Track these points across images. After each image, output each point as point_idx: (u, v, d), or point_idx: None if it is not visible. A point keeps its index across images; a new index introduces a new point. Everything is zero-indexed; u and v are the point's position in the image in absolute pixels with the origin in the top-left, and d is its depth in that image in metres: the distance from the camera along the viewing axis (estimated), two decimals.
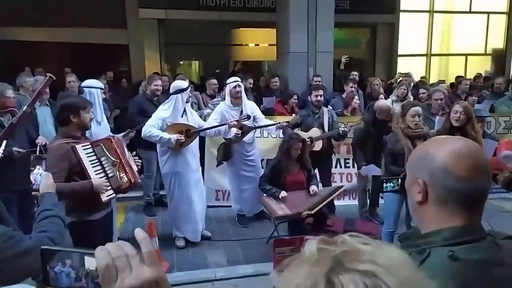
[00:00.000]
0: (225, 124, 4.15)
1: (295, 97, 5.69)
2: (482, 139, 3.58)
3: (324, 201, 3.75)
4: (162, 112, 3.90)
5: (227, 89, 4.43)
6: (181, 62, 10.86)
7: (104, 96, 4.17)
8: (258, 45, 10.51)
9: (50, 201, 1.64)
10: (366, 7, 9.75)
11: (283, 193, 3.80)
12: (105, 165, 2.59)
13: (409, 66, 10.34)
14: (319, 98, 4.67)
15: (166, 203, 5.01)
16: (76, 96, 3.64)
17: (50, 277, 0.65)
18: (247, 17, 9.34)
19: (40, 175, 1.93)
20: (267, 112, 5.34)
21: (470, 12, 11.09)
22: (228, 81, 4.50)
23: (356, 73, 6.63)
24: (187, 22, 9.44)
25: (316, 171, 4.84)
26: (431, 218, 0.93)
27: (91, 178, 2.50)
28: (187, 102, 4.00)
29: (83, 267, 0.63)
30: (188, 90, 3.97)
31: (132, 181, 2.74)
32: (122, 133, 3.56)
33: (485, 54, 11.58)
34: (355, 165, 5.38)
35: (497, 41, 11.49)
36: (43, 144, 3.45)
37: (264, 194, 3.94)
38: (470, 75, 9.99)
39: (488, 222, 3.86)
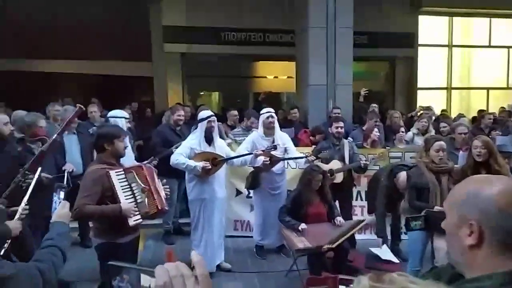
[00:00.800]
0: (251, 153, 4.21)
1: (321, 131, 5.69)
2: (511, 174, 3.48)
3: (346, 235, 3.67)
4: (190, 142, 4.04)
5: (261, 119, 4.53)
6: (202, 93, 11.16)
7: (129, 125, 4.32)
8: (277, 77, 10.74)
9: (57, 230, 1.68)
10: (384, 41, 9.90)
11: (303, 225, 3.75)
12: (135, 191, 2.72)
13: (429, 99, 10.34)
14: (339, 129, 4.70)
15: (185, 231, 5.03)
16: (113, 126, 3.79)
17: None
18: (267, 50, 9.62)
19: (58, 203, 1.99)
20: None
21: (489, 46, 11.10)
22: (261, 111, 4.62)
23: (375, 105, 6.65)
24: (208, 56, 9.79)
25: (337, 203, 4.82)
26: (483, 262, 0.89)
27: (120, 203, 2.60)
28: (212, 131, 4.06)
29: (139, 283, 0.69)
30: (211, 119, 4.04)
31: (160, 208, 2.83)
32: (146, 161, 3.65)
33: (507, 88, 11.45)
34: None
35: None
36: (70, 171, 3.57)
37: (284, 226, 3.90)
38: (492, 109, 9.88)
39: None
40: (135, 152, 4.99)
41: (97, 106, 5.46)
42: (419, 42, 10.41)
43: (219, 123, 5.89)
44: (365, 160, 4.69)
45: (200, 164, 3.85)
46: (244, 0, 9.20)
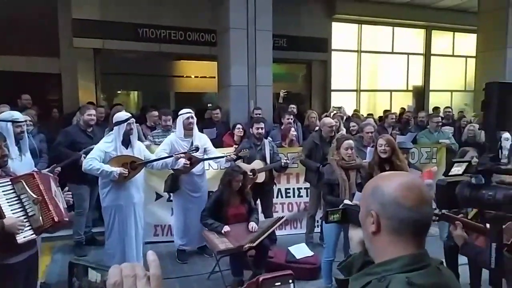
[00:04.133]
0: (172, 156, 4.08)
1: (239, 127, 5.76)
2: (408, 168, 3.89)
3: (266, 233, 3.76)
4: (105, 145, 3.78)
5: (180, 120, 4.39)
6: (119, 92, 10.54)
7: (27, 128, 3.83)
8: (197, 77, 10.61)
9: None
10: (302, 45, 10.41)
11: (226, 228, 3.75)
12: (25, 203, 2.36)
13: (342, 100, 11.13)
14: (260, 130, 4.80)
15: (99, 241, 4.70)
16: None
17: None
18: (188, 49, 9.45)
19: None
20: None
21: (392, 52, 12.33)
22: (180, 112, 4.48)
23: (294, 106, 6.94)
24: (125, 52, 9.28)
25: (258, 202, 4.93)
26: (386, 247, 0.99)
27: (4, 218, 2.25)
28: (130, 134, 3.87)
29: (86, 277, 0.70)
30: (130, 121, 3.87)
31: (57, 220, 2.45)
32: (47, 169, 3.30)
33: (407, 90, 12.83)
34: (295, 194, 5.58)
35: (417, 79, 12.83)
36: None
37: (206, 229, 3.86)
38: (395, 109, 10.98)
39: None
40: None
41: None
42: (332, 47, 11.15)
43: (137, 124, 5.65)
44: (286, 159, 4.86)
45: (117, 169, 3.64)
46: None
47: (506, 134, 6.48)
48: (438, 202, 1.60)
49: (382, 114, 9.43)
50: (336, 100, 11.08)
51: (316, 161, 4.76)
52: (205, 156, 4.45)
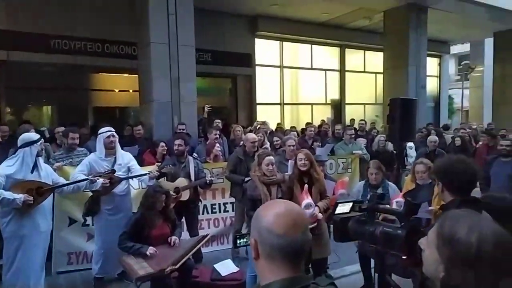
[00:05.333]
0: (87, 179, 3.79)
1: (163, 144, 5.61)
2: (324, 180, 4.12)
3: (189, 253, 3.69)
4: (7, 168, 3.41)
5: (100, 139, 4.12)
6: (29, 107, 9.62)
7: None
8: (119, 90, 10.14)
9: None
10: (227, 59, 10.58)
11: (151, 249, 3.59)
12: None
13: (267, 113, 11.50)
14: (177, 147, 4.72)
15: None
16: None
17: None
18: (107, 62, 9.01)
19: None
20: None
21: (311, 68, 13.10)
22: (101, 130, 4.19)
23: (218, 120, 6.98)
24: (35, 65, 8.53)
25: (184, 220, 4.82)
26: (264, 272, 1.06)
27: None
28: (38, 155, 3.54)
29: None
30: (39, 143, 3.54)
31: None
32: None
33: (326, 103, 13.69)
34: (221, 210, 5.57)
35: (334, 93, 13.77)
36: None
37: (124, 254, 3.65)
38: (316, 121, 11.64)
39: (335, 253, 4.41)
40: None
41: None
42: (256, 62, 11.50)
43: (47, 144, 5.20)
44: (210, 176, 4.83)
45: (20, 196, 3.29)
46: (80, 7, 8.42)
47: (410, 144, 7.24)
48: (334, 234, 1.76)
49: (304, 127, 9.91)
50: (261, 113, 11.41)
51: (241, 176, 4.82)
52: (127, 174, 4.23)
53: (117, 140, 4.24)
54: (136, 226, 3.70)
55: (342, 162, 6.60)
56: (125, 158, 4.29)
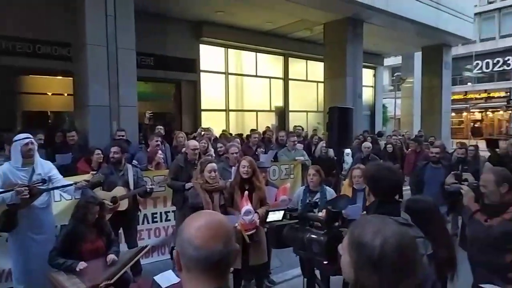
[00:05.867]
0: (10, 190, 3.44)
1: (98, 152, 5.31)
2: (265, 187, 4.17)
3: (126, 266, 3.52)
4: None
5: (16, 147, 3.72)
6: None
7: None
8: (51, 94, 9.48)
9: None
10: (170, 64, 10.37)
11: (82, 264, 3.36)
12: None
13: (212, 119, 11.43)
14: (113, 155, 4.51)
15: None
16: None
17: None
18: (39, 63, 8.38)
19: None
20: (65, 171, 4.72)
21: (256, 76, 13.29)
22: (16, 137, 3.78)
23: (161, 127, 6.79)
24: None
25: (121, 231, 4.61)
26: (186, 284, 1.05)
27: None
28: None
29: None
30: None
31: None
32: None
33: (271, 110, 13.95)
34: (163, 219, 5.41)
35: (278, 100, 14.08)
36: None
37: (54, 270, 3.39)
38: (261, 128, 11.81)
39: (278, 257, 4.48)
40: None
41: None
42: (201, 68, 11.41)
43: None
44: (151, 184, 4.67)
45: None
46: (9, 4, 7.70)
47: (347, 150, 7.61)
48: (270, 241, 1.79)
49: (249, 133, 9.99)
50: (206, 119, 11.32)
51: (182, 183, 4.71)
52: (51, 186, 3.89)
53: (36, 147, 3.88)
54: (66, 241, 3.45)
55: (285, 168, 6.75)
56: (45, 167, 3.89)
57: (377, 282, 0.96)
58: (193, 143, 5.01)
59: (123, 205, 4.47)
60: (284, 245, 1.77)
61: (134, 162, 5.53)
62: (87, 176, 4.60)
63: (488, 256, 2.48)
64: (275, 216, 1.89)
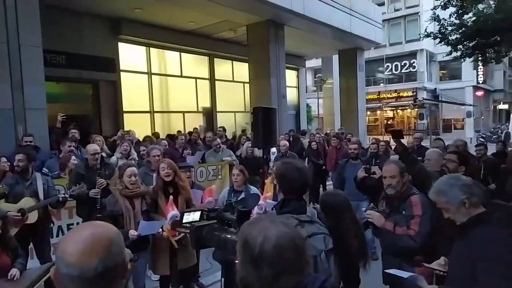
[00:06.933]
0: None
1: (4, 160, 4.76)
2: (190, 189, 4.08)
3: (35, 284, 3.18)
4: None
5: None
6: None
7: None
8: None
9: None
10: (85, 63, 9.64)
11: None
12: None
13: (136, 122, 10.92)
14: (17, 163, 4.12)
15: None
16: None
17: None
18: None
19: None
20: None
21: (181, 76, 13.00)
22: None
23: (75, 130, 6.27)
24: None
25: (31, 246, 4.19)
26: None
27: None
28: None
29: None
30: None
31: None
32: None
33: (198, 111, 13.76)
34: None
35: (205, 101, 13.94)
36: None
37: None
38: (188, 129, 11.60)
39: (208, 260, 4.41)
40: None
41: None
42: (121, 68, 10.81)
43: None
44: (63, 193, 4.29)
45: None
46: None
47: (273, 149, 7.80)
48: (191, 242, 1.81)
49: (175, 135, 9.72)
50: (129, 121, 10.76)
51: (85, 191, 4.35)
52: None
53: None
54: None
55: (212, 169, 6.71)
56: None
57: (256, 277, 1.00)
58: (92, 147, 4.66)
59: (32, 217, 4.08)
60: (204, 245, 1.76)
61: (44, 170, 5.07)
62: None
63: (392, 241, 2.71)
64: (191, 216, 1.87)
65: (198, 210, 1.90)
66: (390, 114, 34.88)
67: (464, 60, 14.12)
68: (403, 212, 2.77)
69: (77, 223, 4.98)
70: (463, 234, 1.84)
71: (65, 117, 6.21)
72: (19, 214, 3.93)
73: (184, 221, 1.92)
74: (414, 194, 2.81)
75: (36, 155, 4.91)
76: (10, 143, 5.70)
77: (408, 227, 2.69)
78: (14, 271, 3.16)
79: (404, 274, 2.01)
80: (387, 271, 2.31)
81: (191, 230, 1.78)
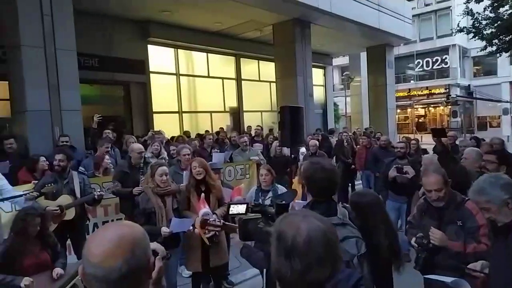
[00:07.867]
0: None
1: (44, 159, 4.99)
2: (221, 187, 4.13)
3: (74, 279, 3.31)
4: None
5: None
6: None
7: None
8: None
9: None
10: (117, 65, 9.94)
11: (27, 280, 3.10)
12: None
13: (165, 122, 11.14)
14: (58, 162, 4.29)
15: None
16: None
17: None
18: None
19: None
20: None
21: (208, 76, 13.15)
22: None
23: (109, 131, 6.49)
24: None
25: (69, 242, 4.36)
26: None
27: None
28: None
29: None
30: None
31: None
32: None
33: (225, 111, 13.89)
34: None
35: (232, 101, 14.04)
36: None
37: None
38: (215, 129, 11.73)
39: (236, 258, 4.44)
40: None
41: None
42: (150, 69, 11.07)
43: None
44: (99, 191, 4.45)
45: None
46: None
47: (302, 149, 7.75)
48: (239, 234, 1.89)
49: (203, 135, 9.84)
50: (159, 122, 11.00)
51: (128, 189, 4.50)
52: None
53: None
54: (4, 257, 3.18)
55: (240, 169, 6.74)
56: None
57: (289, 269, 1.05)
58: (137, 146, 4.83)
59: (70, 214, 4.26)
60: (251, 238, 1.85)
61: (81, 169, 5.26)
62: (27, 186, 4.33)
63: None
64: (237, 208, 1.98)
65: (244, 203, 1.99)
66: (421, 112, 33.81)
67: (500, 55, 13.49)
68: (458, 223, 2.47)
69: (112, 221, 5.16)
70: (506, 235, 1.76)
71: (101, 117, 6.43)
72: (58, 208, 4.12)
73: (230, 212, 2.05)
74: (466, 200, 2.51)
75: (73, 155, 5.11)
76: (47, 143, 5.97)
77: (478, 241, 2.39)
78: (58, 271, 3.29)
79: (447, 279, 1.92)
80: (427, 276, 2.20)
81: (239, 223, 1.87)
